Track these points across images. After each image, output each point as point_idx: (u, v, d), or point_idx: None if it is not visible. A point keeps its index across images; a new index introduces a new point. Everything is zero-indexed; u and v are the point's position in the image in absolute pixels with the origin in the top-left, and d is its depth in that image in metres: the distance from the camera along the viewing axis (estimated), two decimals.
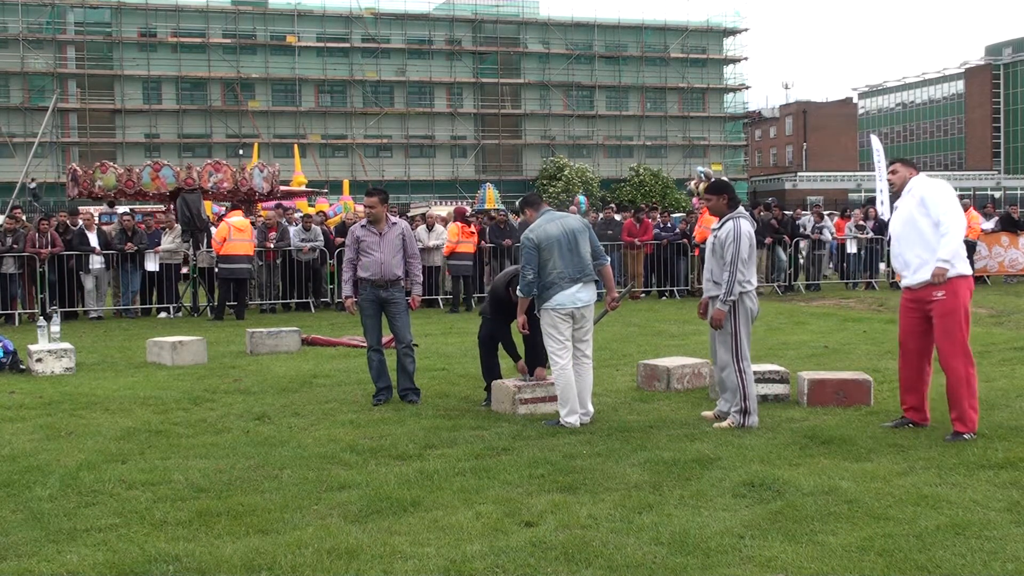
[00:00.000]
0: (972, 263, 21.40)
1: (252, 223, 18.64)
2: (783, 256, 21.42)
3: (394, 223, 9.21)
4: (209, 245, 18.22)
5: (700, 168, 26.23)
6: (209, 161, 20.75)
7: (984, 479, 6.05)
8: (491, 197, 33.42)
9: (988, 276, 22.57)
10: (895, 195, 7.71)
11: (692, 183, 25.61)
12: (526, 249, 7.93)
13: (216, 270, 17.70)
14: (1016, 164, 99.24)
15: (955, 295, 7.17)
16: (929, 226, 7.21)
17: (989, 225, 23.31)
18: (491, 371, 8.93)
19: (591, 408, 8.04)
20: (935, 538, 4.98)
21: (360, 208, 30.44)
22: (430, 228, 19.58)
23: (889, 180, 7.72)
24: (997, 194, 75.75)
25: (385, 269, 8.98)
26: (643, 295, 20.65)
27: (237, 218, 17.76)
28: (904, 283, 7.55)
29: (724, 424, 7.75)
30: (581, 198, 30.50)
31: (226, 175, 19.85)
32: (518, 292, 8.07)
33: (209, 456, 6.98)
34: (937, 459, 6.55)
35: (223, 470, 6.56)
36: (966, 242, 21.59)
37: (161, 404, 9.03)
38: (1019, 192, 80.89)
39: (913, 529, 5.12)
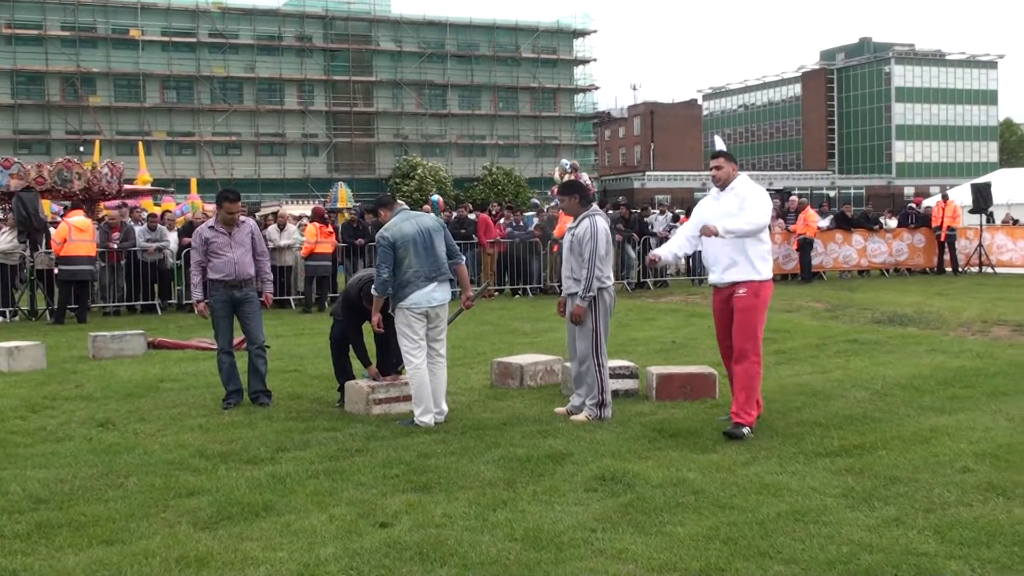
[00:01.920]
0: (809, 260, 22.39)
1: (101, 220, 17.98)
2: (632, 254, 21.88)
3: (243, 221, 9.08)
4: (48, 246, 17.50)
5: (565, 160, 26.53)
6: None
7: (821, 466, 6.32)
8: (343, 196, 33.12)
9: (824, 272, 23.55)
10: (721, 189, 7.66)
11: (556, 174, 25.92)
12: (381, 248, 7.90)
13: (56, 272, 17.01)
14: (849, 165, 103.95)
15: (756, 295, 7.39)
16: None
17: (825, 223, 24.34)
18: (344, 372, 8.85)
19: (445, 407, 8.06)
20: (776, 525, 5.18)
21: (209, 208, 29.77)
22: (281, 228, 19.31)
23: (713, 176, 7.68)
24: (832, 193, 79.09)
25: (239, 269, 8.84)
26: (496, 293, 20.79)
27: (78, 218, 17.10)
28: (712, 280, 7.73)
29: (581, 417, 7.89)
30: (434, 198, 30.51)
31: None
32: (373, 291, 8.02)
33: (49, 466, 6.71)
34: (778, 449, 6.81)
35: (64, 479, 6.32)
36: (804, 240, 22.64)
37: None
38: (852, 191, 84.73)
39: (756, 517, 5.31)
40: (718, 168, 7.62)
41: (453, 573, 4.62)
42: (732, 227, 7.26)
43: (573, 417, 7.95)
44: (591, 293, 7.87)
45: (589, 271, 7.84)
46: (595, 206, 8.27)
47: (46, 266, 17.47)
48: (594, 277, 7.85)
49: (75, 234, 16.61)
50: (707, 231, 7.30)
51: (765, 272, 7.46)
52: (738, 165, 7.76)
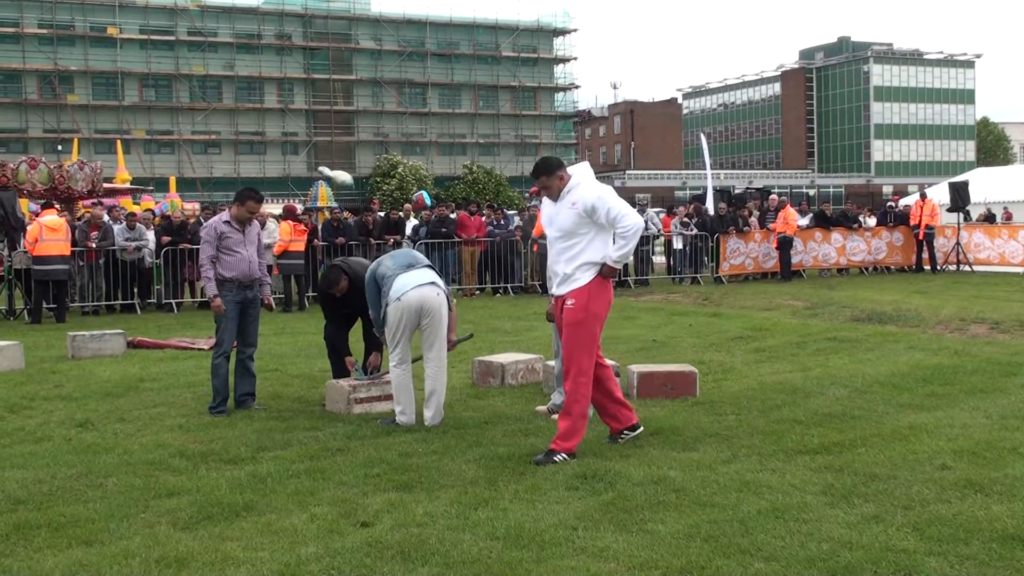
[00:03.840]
0: (789, 258, 22.49)
1: (80, 219, 17.84)
2: None
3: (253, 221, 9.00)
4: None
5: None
6: None
7: (802, 464, 6.34)
8: (323, 195, 33.00)
9: (804, 270, 23.66)
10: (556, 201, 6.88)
11: None
12: (367, 284, 7.98)
13: (31, 271, 16.90)
14: (828, 163, 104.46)
15: (585, 308, 6.66)
16: (591, 235, 6.70)
17: (804, 222, 24.44)
18: (338, 370, 8.87)
19: (440, 416, 7.79)
20: (757, 522, 5.19)
21: (189, 207, 29.66)
22: (262, 226, 19.19)
23: (546, 196, 6.93)
24: (811, 192, 79.53)
25: (252, 267, 8.70)
26: (477, 292, 20.81)
27: (50, 217, 16.91)
28: (552, 291, 7.04)
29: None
30: (425, 194, 30.53)
31: None
32: (374, 331, 8.15)
33: (28, 466, 6.66)
34: (758, 446, 6.83)
35: (43, 480, 6.28)
36: (784, 238, 22.74)
37: None
38: (831, 190, 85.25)
39: (737, 514, 5.32)
40: (545, 188, 6.87)
41: (434, 572, 4.61)
42: (619, 254, 6.67)
43: (555, 416, 7.95)
44: None
45: None
46: None
47: (24, 265, 17.33)
48: None
49: (46, 234, 16.44)
50: (609, 275, 6.74)
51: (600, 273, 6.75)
52: (564, 166, 6.90)
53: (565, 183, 6.78)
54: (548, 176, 6.81)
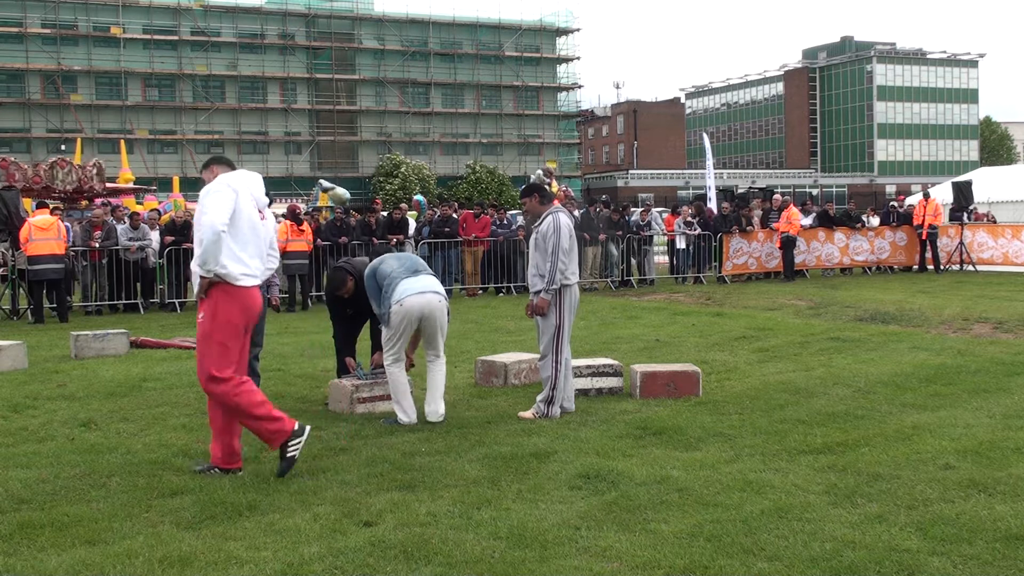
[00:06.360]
0: (792, 258, 22.46)
1: (81, 219, 17.83)
2: (614, 252, 21.91)
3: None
4: None
5: (538, 170, 26.67)
6: None
7: (805, 464, 6.34)
8: (323, 196, 32.94)
9: (807, 270, 23.63)
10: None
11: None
12: (367, 279, 7.97)
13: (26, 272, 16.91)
14: (831, 163, 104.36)
15: (213, 316, 6.22)
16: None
17: (807, 221, 24.41)
18: (343, 369, 8.88)
19: (442, 408, 7.86)
20: (760, 522, 5.19)
21: (192, 206, 29.61)
22: None
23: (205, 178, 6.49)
24: (815, 191, 79.46)
25: None
26: (480, 292, 20.83)
27: (41, 217, 16.84)
28: None
29: (528, 413, 7.90)
30: (420, 198, 30.53)
31: None
32: (381, 327, 8.10)
33: (31, 466, 6.67)
34: (762, 446, 6.83)
35: (46, 479, 6.28)
36: (787, 238, 22.74)
37: None
38: (834, 190, 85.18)
39: (740, 514, 5.32)
40: (209, 170, 6.50)
41: (437, 572, 4.61)
42: (195, 259, 6.23)
43: (521, 413, 7.98)
44: (554, 286, 7.90)
45: (552, 264, 7.89)
46: (556, 204, 8.33)
47: (27, 265, 17.34)
48: (557, 270, 7.88)
49: (36, 233, 16.40)
50: (200, 287, 6.25)
51: (233, 276, 6.24)
52: (217, 166, 6.49)
53: (217, 171, 6.44)
54: (219, 164, 6.48)
